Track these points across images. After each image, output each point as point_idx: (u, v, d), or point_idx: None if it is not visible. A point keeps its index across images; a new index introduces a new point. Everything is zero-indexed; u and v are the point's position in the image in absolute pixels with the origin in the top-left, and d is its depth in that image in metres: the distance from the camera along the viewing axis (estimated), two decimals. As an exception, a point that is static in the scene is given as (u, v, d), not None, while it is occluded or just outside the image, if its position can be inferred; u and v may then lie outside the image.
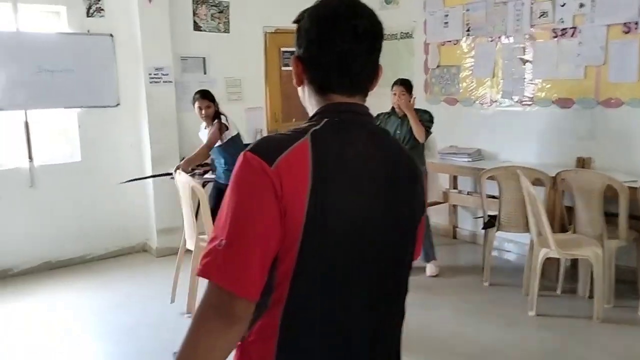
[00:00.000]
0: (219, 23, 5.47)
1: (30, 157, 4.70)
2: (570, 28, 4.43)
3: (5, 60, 4.48)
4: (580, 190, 3.80)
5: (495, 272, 4.42)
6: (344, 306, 1.09)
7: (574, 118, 4.51)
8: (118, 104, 5.06)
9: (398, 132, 4.39)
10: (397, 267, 1.18)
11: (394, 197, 1.15)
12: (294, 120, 6.22)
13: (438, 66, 5.54)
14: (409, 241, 1.20)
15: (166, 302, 4.00)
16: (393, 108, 4.47)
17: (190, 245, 3.81)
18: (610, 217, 3.78)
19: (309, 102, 1.20)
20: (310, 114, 1.19)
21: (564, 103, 4.56)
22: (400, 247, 1.18)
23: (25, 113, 4.65)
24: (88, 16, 4.84)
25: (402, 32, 5.87)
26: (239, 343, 1.08)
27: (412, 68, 5.81)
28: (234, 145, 4.31)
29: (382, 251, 1.13)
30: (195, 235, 3.73)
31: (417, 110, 4.38)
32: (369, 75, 1.18)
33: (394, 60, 6.00)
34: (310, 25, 1.14)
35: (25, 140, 4.68)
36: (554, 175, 4.03)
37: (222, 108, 4.46)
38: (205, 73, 5.47)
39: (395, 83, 4.40)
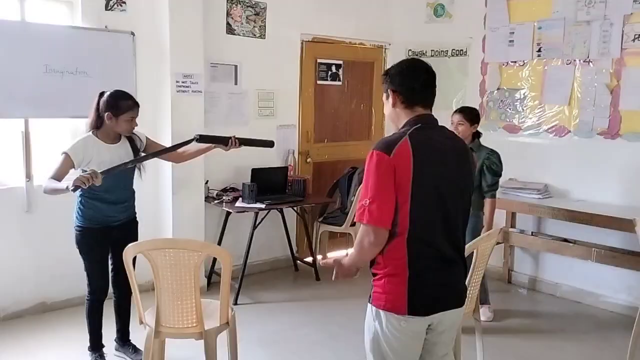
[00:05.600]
0: (254, 27, 4.74)
1: (28, 176, 3.86)
2: (673, 54, 3.90)
3: (7, 56, 3.64)
4: None
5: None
6: (437, 228, 1.94)
7: (672, 156, 3.96)
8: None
9: None
10: (465, 206, 2.06)
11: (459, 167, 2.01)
12: (325, 141, 5.53)
13: (498, 89, 4.94)
14: (468, 194, 2.07)
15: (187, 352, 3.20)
16: None
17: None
18: None
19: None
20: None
21: (660, 139, 4.01)
22: (465, 195, 2.04)
23: (26, 122, 3.81)
24: (107, 9, 4.05)
25: (454, 49, 5.27)
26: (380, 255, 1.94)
27: (464, 89, 5.22)
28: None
29: (455, 198, 1.98)
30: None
31: (484, 149, 3.86)
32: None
33: (442, 80, 5.34)
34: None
35: (24, 155, 3.84)
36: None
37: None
38: (236, 83, 4.73)
39: (455, 111, 3.90)
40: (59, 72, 3.84)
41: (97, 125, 3.00)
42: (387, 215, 1.84)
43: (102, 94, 3.00)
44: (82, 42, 3.95)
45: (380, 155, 1.86)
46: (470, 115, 3.84)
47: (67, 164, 2.94)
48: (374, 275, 1.98)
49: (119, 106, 2.93)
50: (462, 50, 5.20)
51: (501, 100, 4.92)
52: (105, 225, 3.06)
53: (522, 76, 4.77)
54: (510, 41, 4.80)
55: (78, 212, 3.05)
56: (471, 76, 5.14)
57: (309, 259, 5.04)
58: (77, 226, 3.06)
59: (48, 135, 4.05)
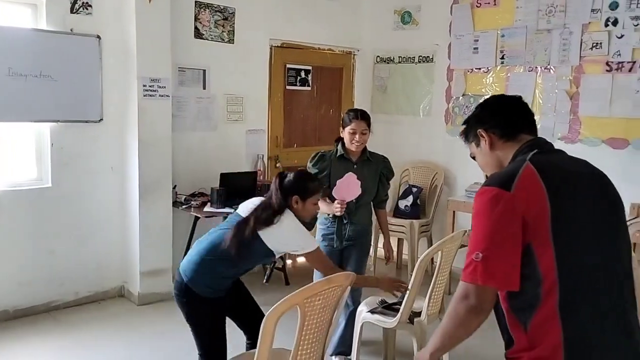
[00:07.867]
0: (222, 32, 4.74)
1: (-11, 180, 3.78)
2: (629, 62, 4.05)
3: (-33, 59, 3.57)
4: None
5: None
6: (603, 283, 1.38)
7: (628, 160, 4.10)
8: (101, 119, 4.21)
9: None
10: (628, 250, 1.49)
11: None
12: (295, 145, 5.55)
13: (463, 95, 5.05)
14: (628, 231, 1.52)
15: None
16: (344, 148, 3.32)
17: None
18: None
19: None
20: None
21: (617, 143, 4.15)
22: (626, 234, 1.50)
23: (-12, 126, 3.74)
24: (72, 12, 4.00)
25: (420, 56, 5.36)
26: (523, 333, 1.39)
27: (431, 95, 5.31)
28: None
29: (618, 239, 1.45)
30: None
31: (378, 156, 3.42)
32: None
33: (409, 86, 5.49)
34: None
35: (-15, 159, 3.76)
36: None
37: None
38: (204, 88, 4.71)
39: (354, 117, 3.24)
40: (22, 75, 3.77)
41: (281, 209, 2.57)
42: (512, 274, 1.34)
43: (283, 175, 2.65)
44: (47, 45, 3.88)
45: (494, 191, 1.37)
46: (370, 121, 3.32)
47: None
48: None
49: (307, 189, 2.60)
50: (428, 57, 5.30)
51: (466, 106, 5.03)
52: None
53: (486, 82, 4.89)
54: (475, 49, 4.92)
55: (210, 285, 2.60)
56: (437, 82, 5.24)
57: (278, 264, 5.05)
58: (205, 299, 2.56)
59: (11, 140, 3.97)
